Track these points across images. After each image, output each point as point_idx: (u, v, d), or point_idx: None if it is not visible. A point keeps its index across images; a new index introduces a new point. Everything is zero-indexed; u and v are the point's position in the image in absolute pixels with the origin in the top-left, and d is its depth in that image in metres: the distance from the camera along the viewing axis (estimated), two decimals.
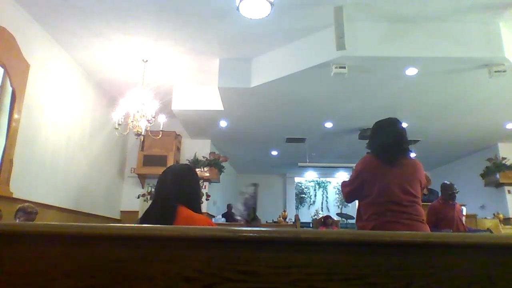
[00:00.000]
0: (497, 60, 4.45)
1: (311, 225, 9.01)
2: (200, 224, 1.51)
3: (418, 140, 7.73)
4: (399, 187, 1.95)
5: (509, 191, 7.56)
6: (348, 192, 2.14)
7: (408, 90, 5.46)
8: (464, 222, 4.09)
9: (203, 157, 7.50)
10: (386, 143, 2.05)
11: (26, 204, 3.53)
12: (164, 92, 6.00)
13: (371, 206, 1.99)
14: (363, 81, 5.17)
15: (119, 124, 5.00)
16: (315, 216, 11.00)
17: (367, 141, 2.24)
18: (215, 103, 6.10)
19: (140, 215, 6.49)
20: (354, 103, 5.97)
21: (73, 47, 5.07)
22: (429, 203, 4.15)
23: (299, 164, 9.18)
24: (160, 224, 1.41)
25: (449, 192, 3.95)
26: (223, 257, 0.71)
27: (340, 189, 2.32)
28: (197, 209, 1.62)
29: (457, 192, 3.99)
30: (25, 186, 4.33)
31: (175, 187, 1.61)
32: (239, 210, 1.78)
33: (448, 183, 4.04)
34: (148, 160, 7.02)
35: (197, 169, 7.21)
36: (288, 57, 5.02)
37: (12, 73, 4.05)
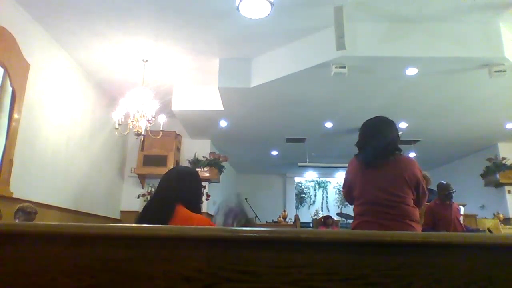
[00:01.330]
0: (497, 60, 4.45)
1: (311, 225, 9.00)
2: (198, 223, 1.52)
3: (418, 140, 7.73)
4: (379, 188, 1.94)
5: (509, 191, 7.55)
6: (344, 193, 2.23)
7: (408, 90, 5.46)
8: (462, 222, 4.09)
9: (203, 157, 7.49)
10: (361, 145, 2.08)
11: (26, 204, 3.53)
12: (164, 92, 6.00)
13: (356, 207, 2.04)
14: (363, 81, 5.17)
15: (119, 124, 5.00)
16: (315, 216, 10.99)
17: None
18: (215, 103, 6.10)
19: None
20: (354, 103, 5.97)
21: (73, 47, 5.07)
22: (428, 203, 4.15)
23: (299, 164, 9.18)
24: (157, 221, 1.47)
25: (445, 193, 3.95)
26: (223, 257, 0.71)
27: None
28: (196, 210, 1.63)
29: (454, 192, 3.98)
30: (25, 186, 4.33)
31: (176, 186, 1.64)
32: (218, 221, 1.73)
33: (444, 183, 4.03)
34: (148, 160, 7.01)
35: (197, 169, 7.23)
36: (288, 57, 5.02)
37: (12, 73, 4.05)
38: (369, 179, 1.98)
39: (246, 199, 8.46)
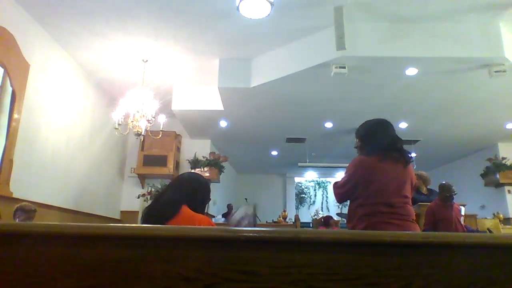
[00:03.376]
0: (497, 60, 4.45)
1: (311, 225, 9.00)
2: (199, 222, 1.63)
3: (418, 140, 7.73)
4: (393, 189, 1.95)
5: (509, 191, 7.55)
6: (341, 193, 2.11)
7: (408, 90, 5.46)
8: (462, 222, 4.08)
9: (203, 157, 7.49)
10: (397, 140, 2.04)
11: (24, 203, 3.52)
12: (164, 92, 6.00)
13: (362, 207, 1.97)
14: (363, 81, 5.17)
15: (119, 124, 5.00)
16: (315, 216, 10.99)
17: (358, 140, 2.18)
18: (215, 103, 6.10)
19: (140, 215, 6.48)
20: (354, 103, 5.97)
21: (73, 47, 5.07)
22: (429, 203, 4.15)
23: (299, 164, 9.18)
24: (162, 218, 1.60)
25: (447, 194, 3.94)
26: (223, 257, 0.71)
27: (333, 190, 2.26)
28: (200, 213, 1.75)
29: (455, 194, 3.97)
30: (25, 186, 4.33)
31: (185, 190, 1.77)
32: (236, 218, 1.87)
33: (447, 184, 4.00)
34: (148, 160, 7.01)
35: (197, 169, 7.23)
36: (288, 57, 5.02)
37: (12, 73, 4.05)
38: (383, 180, 1.95)
39: (246, 199, 8.48)
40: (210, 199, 1.90)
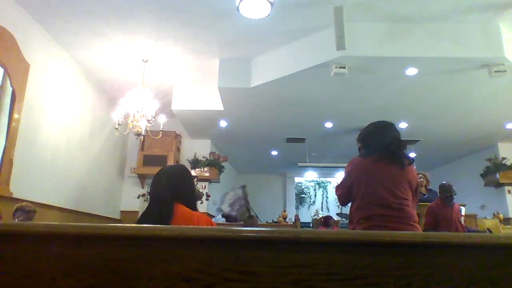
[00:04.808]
0: (497, 60, 4.45)
1: (311, 225, 9.00)
2: (198, 220, 1.55)
3: (418, 140, 7.73)
4: (386, 190, 1.92)
5: (509, 191, 7.55)
6: (340, 195, 2.12)
7: (408, 90, 5.46)
8: (463, 222, 4.09)
9: (203, 157, 7.50)
10: (392, 142, 2.03)
11: (24, 203, 3.53)
12: (164, 92, 6.00)
13: (359, 210, 1.97)
14: (363, 81, 5.17)
15: (119, 124, 5.00)
16: (315, 216, 10.99)
17: (358, 142, 2.18)
18: (215, 103, 6.10)
19: (140, 215, 6.49)
20: (354, 103, 5.97)
21: (73, 47, 5.07)
22: (429, 203, 4.15)
23: (299, 164, 9.18)
24: (159, 224, 1.45)
25: (447, 194, 3.95)
26: (223, 257, 0.71)
27: (335, 192, 2.27)
28: (194, 207, 1.66)
29: (455, 194, 3.98)
30: (25, 186, 4.33)
31: (171, 186, 1.64)
32: (223, 209, 1.81)
33: (447, 184, 4.01)
34: (148, 160, 7.02)
35: (197, 169, 7.23)
36: (288, 57, 5.02)
37: (12, 73, 4.05)
38: (377, 181, 1.94)
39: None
40: (202, 195, 1.79)
